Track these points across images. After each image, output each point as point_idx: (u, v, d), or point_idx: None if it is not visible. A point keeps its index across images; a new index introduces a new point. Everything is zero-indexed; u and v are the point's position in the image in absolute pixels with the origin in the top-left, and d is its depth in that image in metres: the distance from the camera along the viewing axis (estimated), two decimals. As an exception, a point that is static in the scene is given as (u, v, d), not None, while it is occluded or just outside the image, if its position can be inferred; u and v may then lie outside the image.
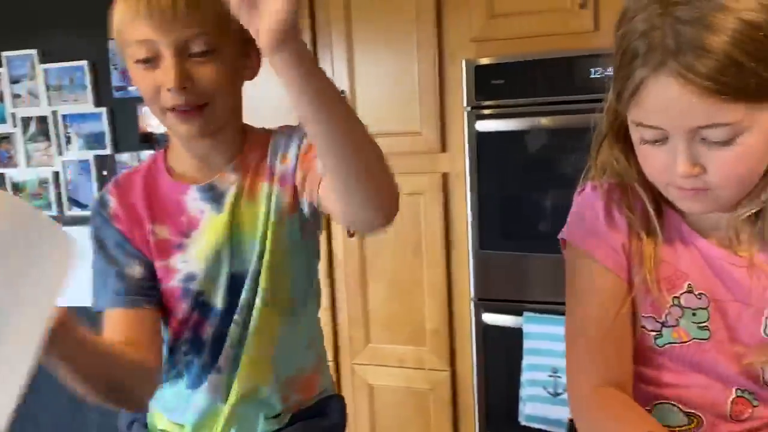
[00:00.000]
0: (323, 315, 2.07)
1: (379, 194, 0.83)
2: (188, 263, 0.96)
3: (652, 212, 0.79)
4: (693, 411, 0.81)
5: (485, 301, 1.90)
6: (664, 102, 0.68)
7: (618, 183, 0.83)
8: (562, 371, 1.76)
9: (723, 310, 0.78)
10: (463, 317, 1.98)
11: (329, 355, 2.11)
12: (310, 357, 1.07)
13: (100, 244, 0.97)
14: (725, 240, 0.79)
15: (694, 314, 0.79)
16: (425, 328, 2.03)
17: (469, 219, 1.89)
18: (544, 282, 1.82)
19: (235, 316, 0.97)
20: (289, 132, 0.99)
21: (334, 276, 2.12)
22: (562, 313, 1.85)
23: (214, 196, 0.96)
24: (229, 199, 0.96)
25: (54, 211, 2.60)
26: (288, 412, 1.04)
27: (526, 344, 1.81)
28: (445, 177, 1.95)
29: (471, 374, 1.97)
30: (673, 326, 0.79)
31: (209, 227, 0.96)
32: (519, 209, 1.85)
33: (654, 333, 0.81)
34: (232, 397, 0.99)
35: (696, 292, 0.79)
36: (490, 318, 1.89)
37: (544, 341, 1.79)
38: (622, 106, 0.74)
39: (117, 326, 0.92)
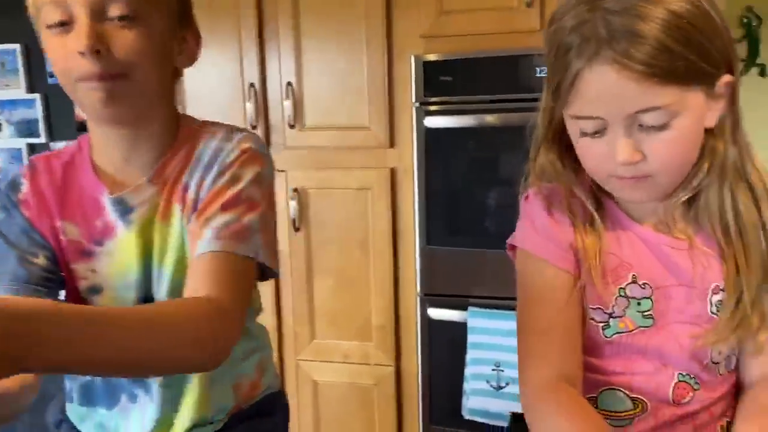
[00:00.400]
0: (267, 309, 2.04)
1: (178, 368, 0.81)
2: (96, 274, 0.89)
3: (592, 210, 0.82)
4: (638, 396, 0.83)
5: (431, 297, 1.91)
6: (602, 90, 0.71)
7: (557, 185, 0.85)
8: (505, 365, 1.79)
9: (668, 295, 0.81)
10: (409, 312, 1.99)
11: (274, 350, 2.08)
12: (248, 366, 1.01)
13: (2, 229, 0.91)
14: (664, 226, 0.82)
15: (639, 303, 0.81)
16: (371, 324, 2.03)
17: (416, 214, 1.90)
18: (489, 277, 1.85)
19: None
20: (218, 147, 0.89)
21: (279, 271, 2.09)
22: (507, 308, 1.89)
23: (123, 211, 0.88)
24: (139, 218, 0.88)
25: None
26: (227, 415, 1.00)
27: (471, 339, 1.83)
28: (393, 172, 1.95)
29: (416, 369, 1.98)
30: (619, 317, 0.82)
31: (122, 244, 0.89)
32: (465, 205, 1.87)
33: (602, 324, 0.83)
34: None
35: (640, 282, 0.82)
36: (436, 313, 1.91)
37: (488, 336, 1.81)
38: (559, 102, 0.77)
39: None
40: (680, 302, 0.81)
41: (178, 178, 0.89)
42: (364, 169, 1.96)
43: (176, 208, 0.89)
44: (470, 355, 1.83)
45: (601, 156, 0.75)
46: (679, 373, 0.82)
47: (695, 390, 0.83)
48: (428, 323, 1.92)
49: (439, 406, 1.95)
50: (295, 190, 2.01)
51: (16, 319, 0.58)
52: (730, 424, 0.85)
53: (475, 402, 1.83)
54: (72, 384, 0.98)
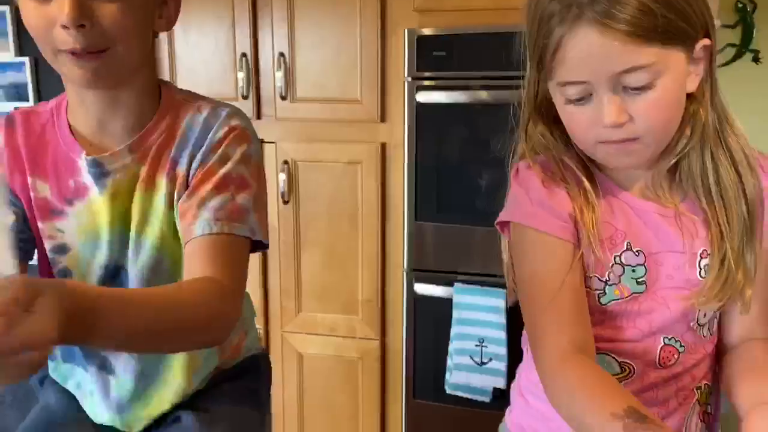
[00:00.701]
0: (254, 281, 2.05)
1: (194, 345, 0.87)
2: (63, 234, 0.89)
3: (584, 179, 0.84)
4: (626, 360, 0.86)
5: (418, 272, 1.92)
6: (586, 52, 0.73)
7: (549, 157, 0.86)
8: (489, 341, 1.81)
9: (659, 262, 0.84)
10: (396, 287, 2.00)
11: (259, 322, 2.09)
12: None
13: None
14: (652, 194, 0.85)
15: (633, 270, 0.84)
16: (358, 298, 2.04)
17: (406, 190, 1.90)
18: (477, 254, 1.85)
19: None
20: (205, 125, 0.89)
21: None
22: (492, 285, 1.89)
23: (99, 174, 0.87)
24: (115, 184, 0.88)
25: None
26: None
27: (456, 314, 1.85)
28: (383, 147, 1.95)
29: (401, 343, 2.00)
30: (615, 284, 0.84)
31: (94, 206, 0.88)
32: (455, 182, 1.87)
33: (598, 292, 0.85)
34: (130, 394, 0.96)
35: (634, 249, 0.84)
36: (422, 288, 1.92)
37: (473, 312, 1.83)
38: (543, 73, 0.79)
39: None
40: (670, 268, 0.84)
41: (162, 151, 0.89)
42: (354, 143, 1.96)
43: (162, 182, 0.89)
44: (454, 330, 1.85)
45: (588, 122, 0.77)
46: (665, 337, 0.85)
47: (680, 353, 0.86)
48: (414, 298, 1.93)
49: (423, 381, 1.98)
50: (285, 162, 2.00)
51: (85, 299, 0.63)
52: (707, 386, 0.89)
53: (458, 377, 1.85)
54: None
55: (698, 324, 0.86)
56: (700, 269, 0.84)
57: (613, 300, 0.85)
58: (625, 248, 0.84)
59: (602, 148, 0.79)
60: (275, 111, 2.00)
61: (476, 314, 1.83)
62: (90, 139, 0.89)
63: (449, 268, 1.89)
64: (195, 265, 0.83)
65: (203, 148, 0.88)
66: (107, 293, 0.69)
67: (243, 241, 0.88)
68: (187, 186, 0.88)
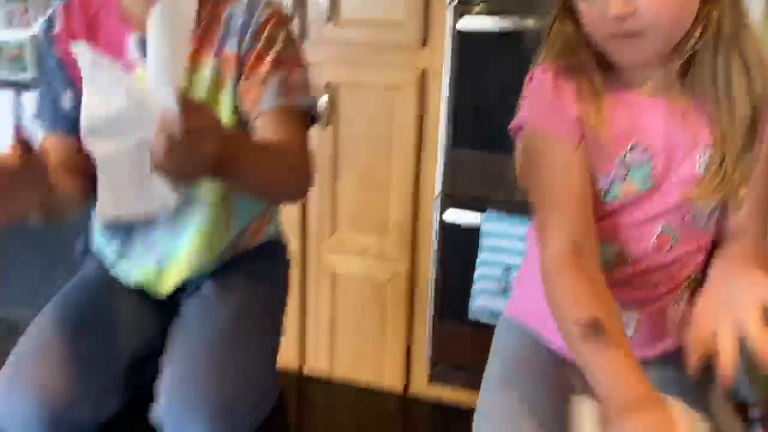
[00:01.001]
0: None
1: (286, 195, 1.02)
2: None
3: (595, 76, 0.87)
4: (621, 247, 0.92)
5: (451, 198, 1.95)
6: None
7: (565, 62, 0.88)
8: (515, 269, 1.84)
9: (665, 158, 0.88)
10: (428, 212, 2.04)
11: (296, 240, 2.17)
12: (255, 213, 1.13)
13: (42, 68, 0.99)
14: (661, 92, 0.88)
15: (639, 168, 0.88)
16: (390, 221, 2.09)
17: (443, 116, 1.91)
18: (509, 183, 1.86)
19: None
20: (249, 10, 0.99)
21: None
22: (523, 214, 1.91)
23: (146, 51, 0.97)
24: None
25: (30, 74, 2.57)
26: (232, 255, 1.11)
27: (485, 242, 1.88)
28: (423, 72, 1.95)
29: (429, 268, 2.05)
30: (621, 182, 0.89)
31: (141, 81, 0.97)
32: (493, 109, 1.87)
33: (604, 190, 0.90)
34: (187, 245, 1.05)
35: (641, 147, 0.88)
36: (454, 215, 1.95)
37: (502, 239, 1.85)
38: None
39: (53, 152, 0.96)
40: (675, 164, 0.88)
41: (207, 34, 0.99)
42: (393, 68, 1.97)
43: (208, 59, 0.99)
44: (482, 256, 1.88)
45: (598, 16, 0.81)
46: (663, 225, 0.90)
47: (672, 244, 0.91)
48: (445, 224, 1.97)
49: (449, 304, 2.03)
50: (327, 85, 2.03)
51: (227, 136, 0.75)
52: (697, 280, 0.94)
53: (482, 302, 1.89)
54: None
55: (693, 218, 0.90)
56: (700, 166, 0.87)
57: (618, 198, 0.88)
58: (632, 146, 0.88)
59: (611, 43, 0.82)
60: (320, 33, 2.03)
61: (504, 242, 1.85)
62: (138, 18, 0.97)
63: (481, 196, 1.91)
64: (268, 135, 0.95)
65: (249, 33, 0.98)
66: (241, 132, 0.85)
67: (304, 112, 1.01)
68: (238, 68, 0.99)
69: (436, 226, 1.99)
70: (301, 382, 2.29)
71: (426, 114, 1.99)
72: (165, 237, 1.06)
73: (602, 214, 0.90)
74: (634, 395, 0.70)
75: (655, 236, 0.90)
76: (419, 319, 2.14)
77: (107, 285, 1.11)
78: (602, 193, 0.90)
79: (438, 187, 1.97)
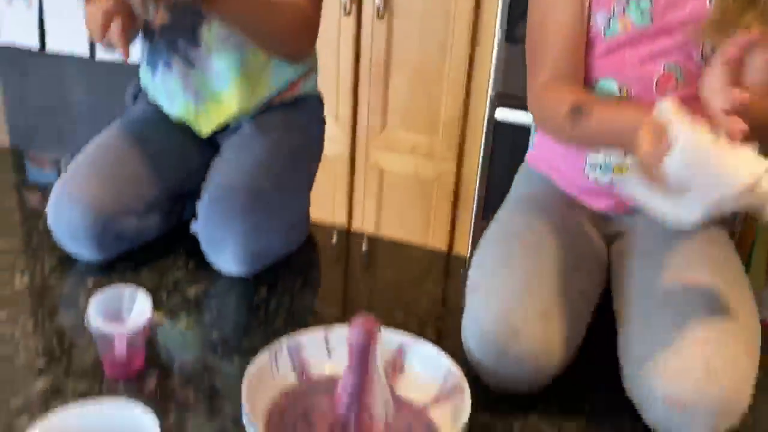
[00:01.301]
0: (345, 94, 2.13)
1: (285, 51, 1.10)
2: None
3: None
4: (625, 83, 0.95)
5: (502, 97, 1.94)
6: None
7: None
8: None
9: None
10: (479, 111, 2.03)
11: (347, 135, 2.20)
12: (295, 70, 1.20)
13: None
14: None
15: (637, 3, 0.91)
16: (440, 120, 2.10)
17: (499, 11, 1.87)
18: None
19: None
20: None
21: (360, 61, 2.15)
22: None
23: None
24: None
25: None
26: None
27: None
28: (482, -35, 1.90)
29: (476, 167, 2.06)
30: (619, 17, 0.92)
31: None
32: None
33: (603, 26, 0.93)
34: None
35: None
36: (504, 114, 1.94)
37: (550, 140, 1.84)
38: None
39: None
40: (680, 2, 0.88)
41: None
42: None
43: None
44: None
45: None
46: (666, 63, 0.92)
47: (678, 82, 0.93)
48: (495, 123, 1.96)
49: (493, 203, 2.04)
50: (383, -24, 2.00)
51: None
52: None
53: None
54: (144, 46, 1.23)
55: (701, 57, 0.90)
56: (710, 1, 0.87)
57: (618, 32, 0.92)
58: None
59: None
60: None
61: (553, 142, 1.84)
62: None
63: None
64: None
65: None
66: None
67: None
68: None
69: (485, 124, 1.99)
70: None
71: (481, 9, 1.95)
72: (201, 76, 1.14)
73: (604, 51, 0.93)
74: (644, 111, 0.77)
75: (659, 74, 0.92)
76: (463, 218, 2.18)
77: (154, 120, 1.25)
78: (602, 30, 0.93)
79: (491, 85, 1.95)
